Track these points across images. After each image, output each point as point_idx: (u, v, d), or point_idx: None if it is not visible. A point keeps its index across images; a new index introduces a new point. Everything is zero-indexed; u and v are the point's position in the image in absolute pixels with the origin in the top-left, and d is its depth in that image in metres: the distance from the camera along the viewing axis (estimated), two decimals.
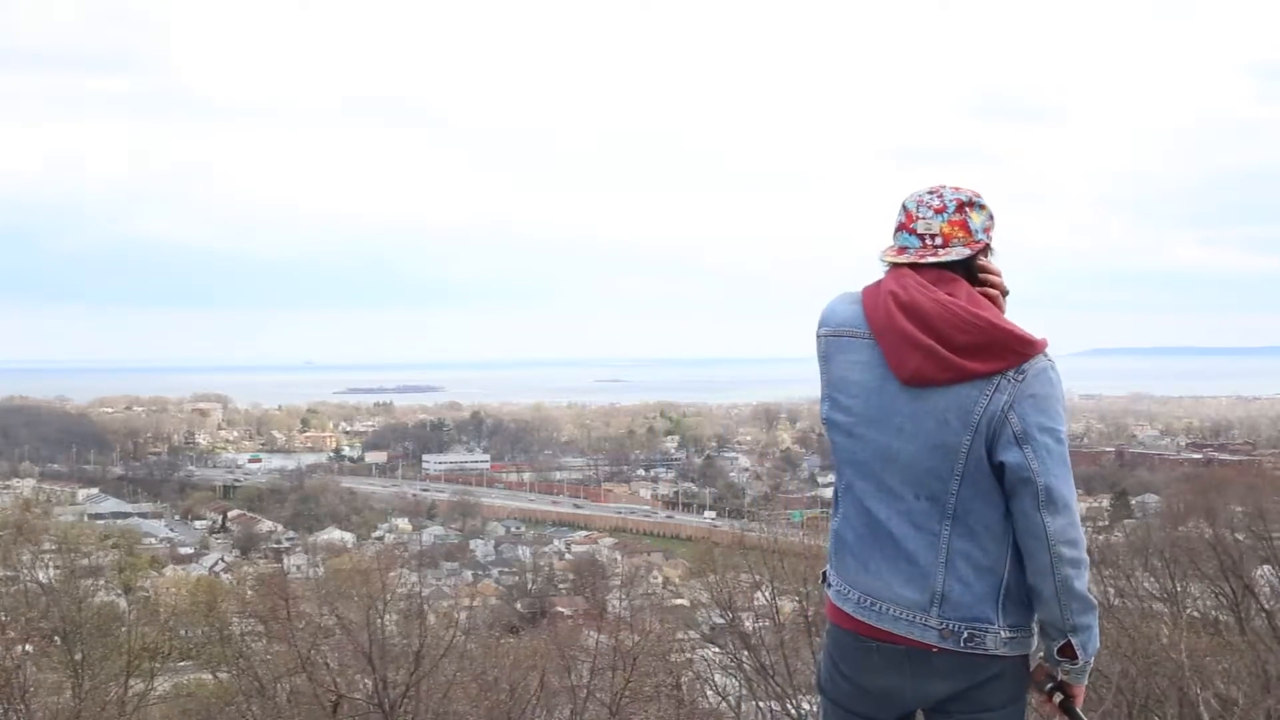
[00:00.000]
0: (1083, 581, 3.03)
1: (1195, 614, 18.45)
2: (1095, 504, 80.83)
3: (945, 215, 3.14)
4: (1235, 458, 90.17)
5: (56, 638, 26.20)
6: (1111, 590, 18.31)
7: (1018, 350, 3.00)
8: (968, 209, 3.16)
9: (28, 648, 24.18)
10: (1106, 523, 54.99)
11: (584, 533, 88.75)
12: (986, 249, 3.20)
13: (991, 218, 3.23)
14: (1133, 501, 73.28)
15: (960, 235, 3.14)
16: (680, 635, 25.64)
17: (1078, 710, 3.20)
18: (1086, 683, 3.17)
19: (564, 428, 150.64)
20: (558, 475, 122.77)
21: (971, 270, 3.16)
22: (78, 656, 24.12)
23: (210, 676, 25.94)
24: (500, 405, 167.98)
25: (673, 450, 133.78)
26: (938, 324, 3.02)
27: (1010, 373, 3.00)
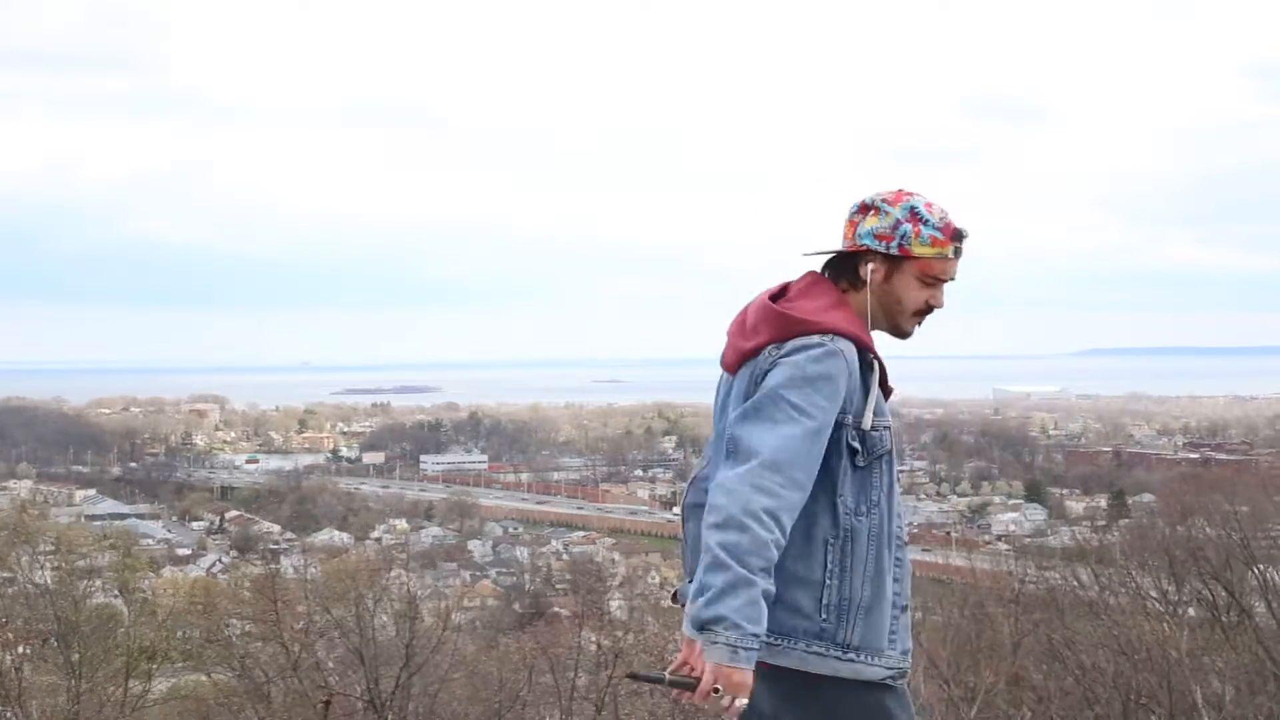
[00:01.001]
0: (723, 537, 2.86)
1: (1191, 612, 18.51)
2: (1093, 503, 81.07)
3: (848, 215, 3.29)
4: (1232, 457, 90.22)
5: (54, 639, 26.21)
6: (1106, 589, 18.38)
7: (785, 326, 3.13)
8: (867, 211, 3.25)
9: (24, 649, 24.21)
10: (1104, 522, 55.06)
11: (582, 533, 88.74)
12: (866, 252, 3.21)
13: (899, 225, 3.20)
14: (1130, 501, 73.36)
15: (846, 237, 3.27)
16: (678, 634, 25.65)
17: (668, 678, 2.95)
18: (721, 664, 2.83)
19: (562, 428, 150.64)
20: (555, 476, 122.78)
21: (858, 273, 3.25)
22: (75, 658, 24.14)
23: (205, 677, 25.95)
24: (498, 405, 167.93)
25: (670, 450, 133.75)
26: (747, 317, 3.25)
27: (772, 346, 3.12)
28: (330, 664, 20.34)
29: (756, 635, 2.85)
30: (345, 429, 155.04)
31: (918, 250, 3.20)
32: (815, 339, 3.09)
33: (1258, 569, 22.99)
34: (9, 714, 18.44)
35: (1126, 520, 50.63)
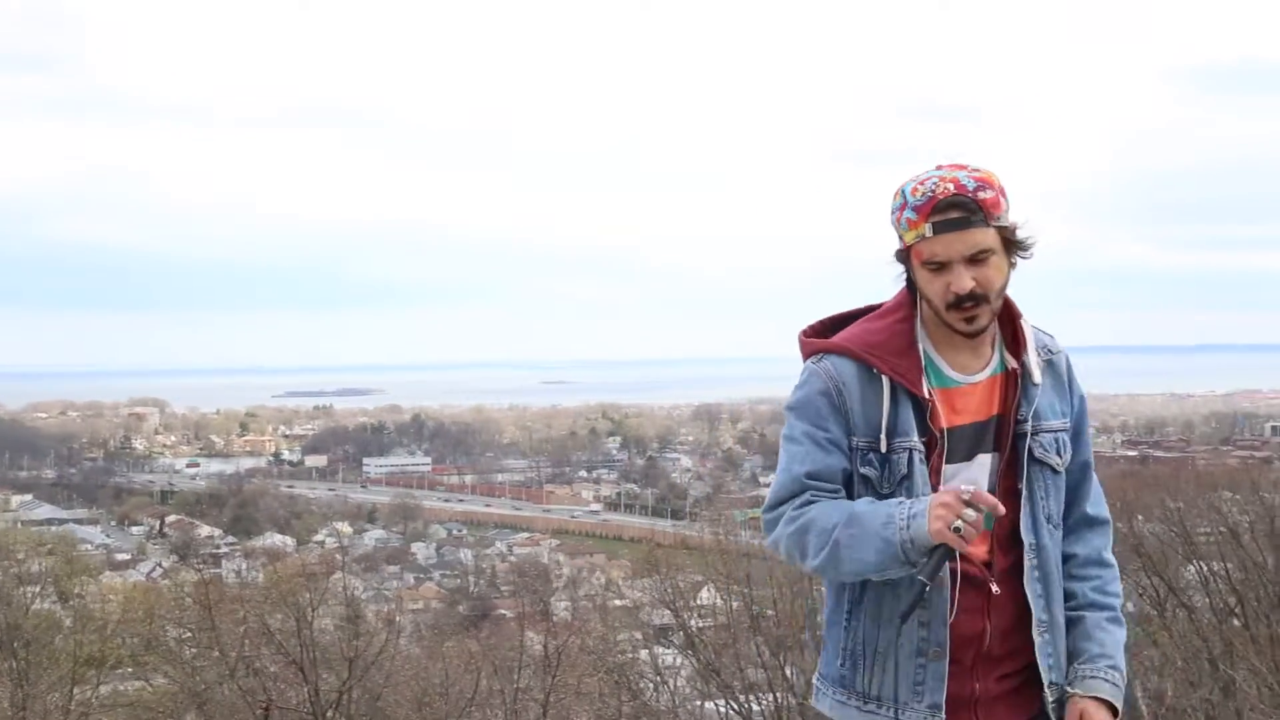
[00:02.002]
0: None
1: (1131, 607, 18.71)
2: None
3: None
4: (1170, 454, 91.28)
5: (4, 646, 25.78)
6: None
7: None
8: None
9: None
10: None
11: (526, 535, 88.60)
12: (907, 250, 2.97)
13: (893, 215, 2.97)
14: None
15: None
16: (624, 635, 25.66)
17: None
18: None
19: (506, 430, 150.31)
20: (499, 477, 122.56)
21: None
22: (19, 664, 23.78)
23: (144, 684, 25.66)
24: (441, 407, 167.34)
25: (615, 451, 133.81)
26: None
27: None
28: (272, 670, 20.14)
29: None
30: (287, 432, 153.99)
31: (906, 238, 2.96)
32: (804, 365, 3.06)
33: (1197, 563, 23.27)
34: None
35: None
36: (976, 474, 2.96)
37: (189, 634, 25.47)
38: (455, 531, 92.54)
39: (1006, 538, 2.98)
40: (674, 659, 23.44)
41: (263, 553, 66.31)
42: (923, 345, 3.02)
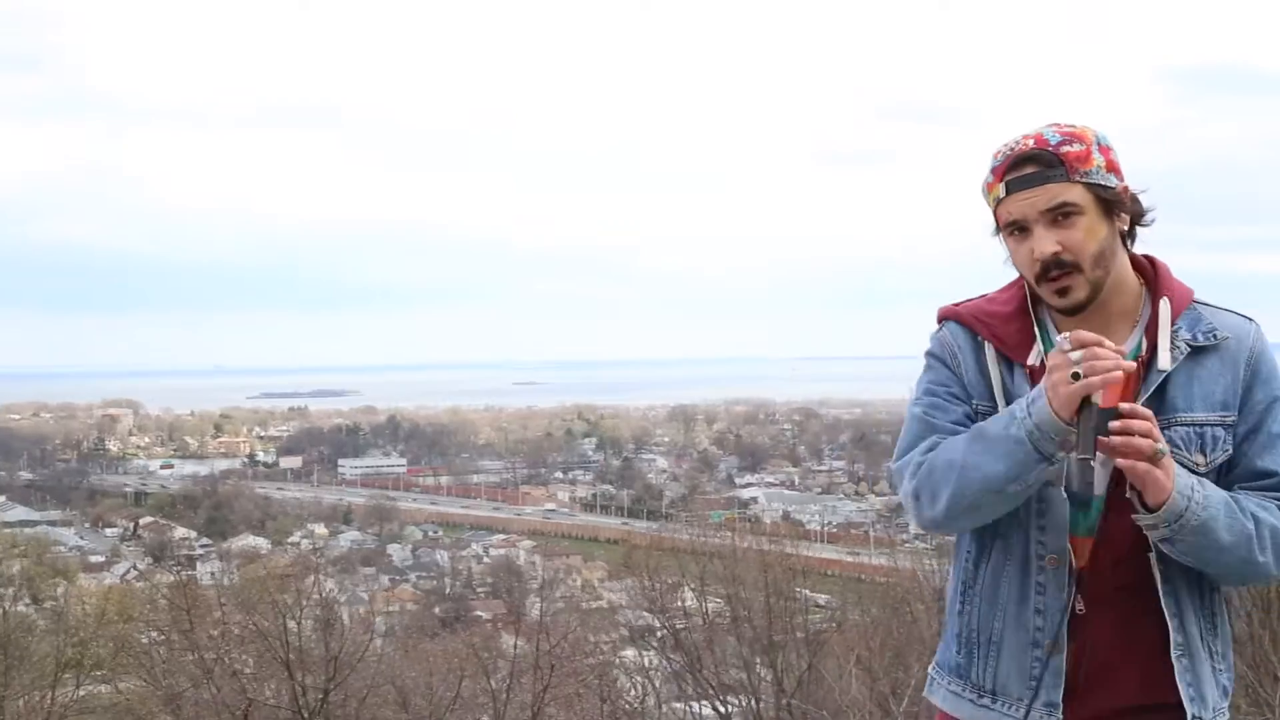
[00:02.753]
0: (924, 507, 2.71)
1: None
2: None
3: None
4: None
5: None
6: None
7: None
8: None
9: None
10: None
11: (502, 536, 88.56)
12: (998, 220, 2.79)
13: (983, 182, 2.77)
14: None
15: None
16: (603, 636, 25.70)
17: None
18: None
19: (481, 431, 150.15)
20: (475, 478, 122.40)
21: None
22: None
23: (113, 688, 25.56)
24: (416, 409, 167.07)
25: (590, 452, 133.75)
26: None
27: None
28: (248, 671, 20.09)
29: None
30: (262, 433, 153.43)
31: (989, 205, 2.75)
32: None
33: None
34: None
35: None
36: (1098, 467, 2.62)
37: (164, 636, 25.37)
38: (431, 533, 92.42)
39: (1128, 549, 2.65)
40: (654, 660, 23.46)
41: (238, 554, 66.09)
42: (1042, 311, 2.79)
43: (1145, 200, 2.74)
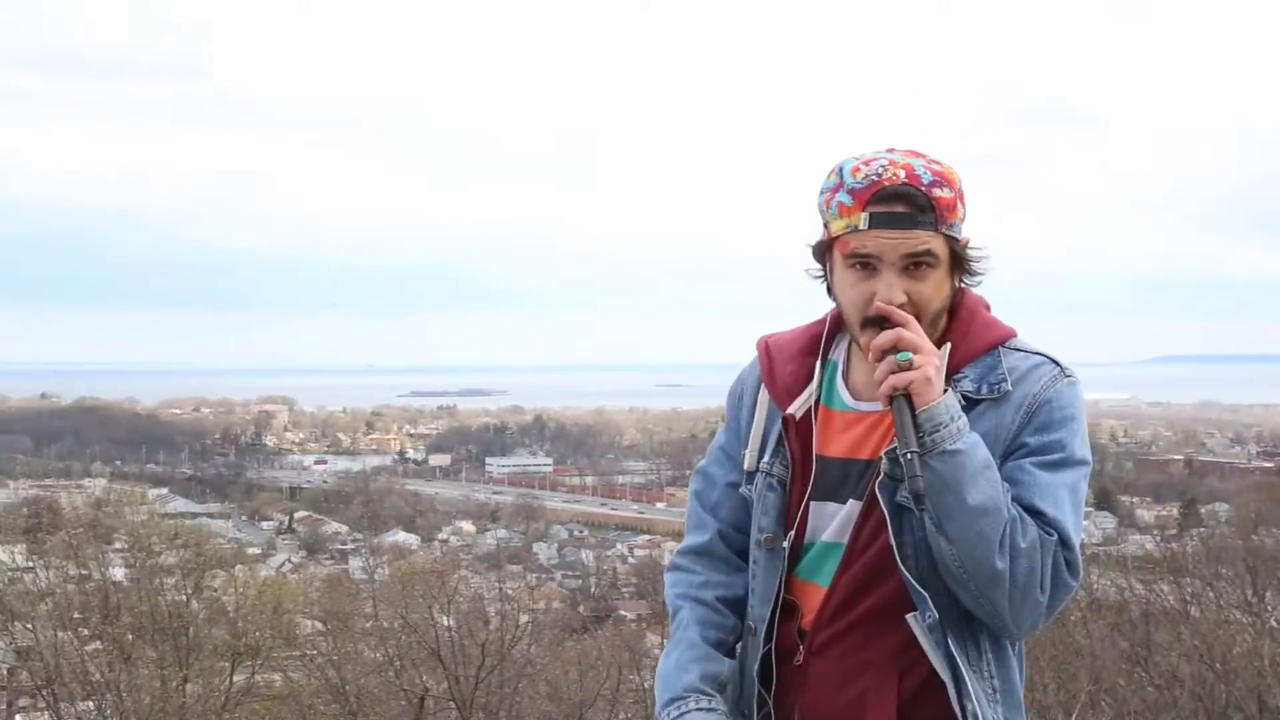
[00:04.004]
0: None
1: (1275, 623, 18.28)
2: (1164, 512, 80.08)
3: None
4: None
5: (152, 635, 26.53)
6: (1188, 596, 18.23)
7: None
8: None
9: (98, 645, 24.59)
10: (1175, 531, 54.37)
11: (647, 537, 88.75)
12: (830, 242, 2.52)
13: (822, 196, 2.49)
14: (1202, 510, 72.39)
15: None
16: None
17: None
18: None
19: (626, 432, 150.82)
20: (620, 479, 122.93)
21: None
22: (180, 653, 24.45)
23: (284, 676, 26.22)
24: (562, 409, 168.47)
25: None
26: None
27: None
28: (414, 663, 20.59)
29: None
30: (412, 431, 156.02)
31: (834, 226, 2.44)
32: None
33: None
34: (107, 707, 18.78)
35: (1199, 529, 50.02)
36: (834, 520, 2.48)
37: (327, 627, 26.02)
38: (576, 532, 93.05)
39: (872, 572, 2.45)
40: None
41: (388, 549, 67.32)
42: (839, 350, 2.59)
43: (980, 249, 2.49)
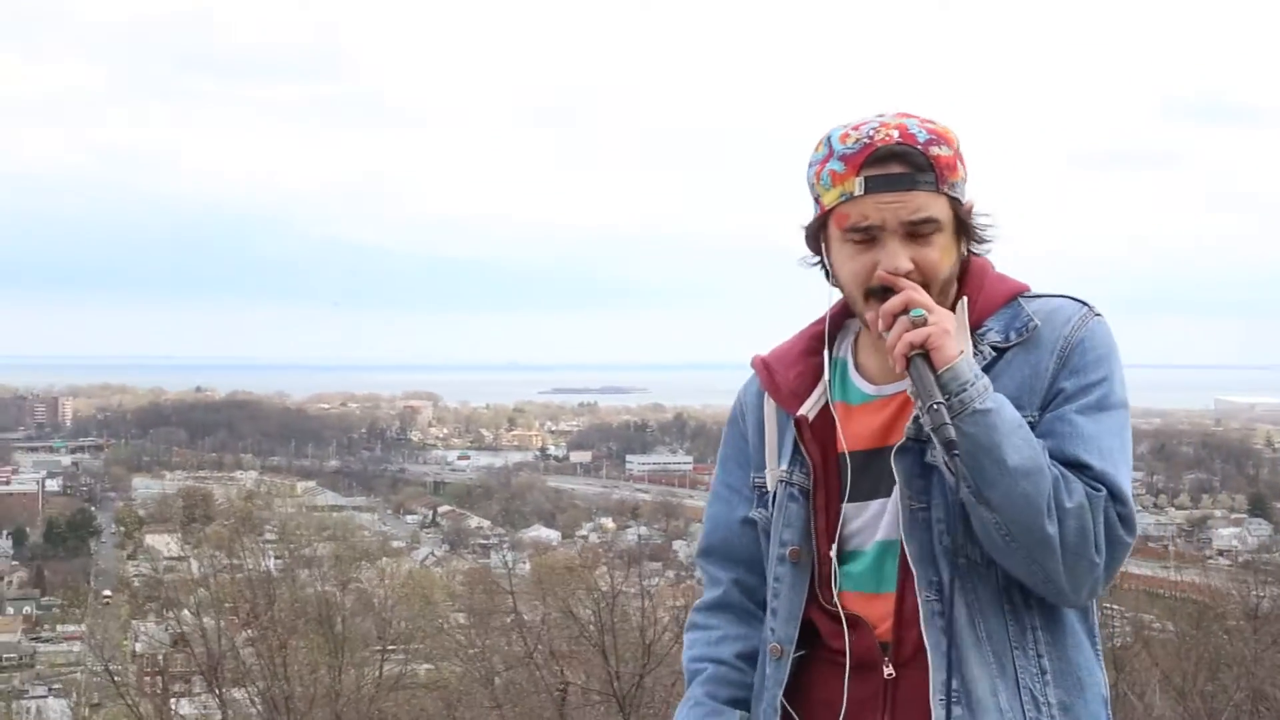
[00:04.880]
0: None
1: None
2: None
3: None
4: None
5: (298, 624, 27.20)
6: None
7: None
8: None
9: (249, 632, 25.25)
10: None
11: None
12: (824, 217, 2.36)
13: (811, 169, 2.34)
14: None
15: None
16: None
17: None
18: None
19: None
20: None
21: None
22: (335, 640, 25.06)
23: (434, 666, 26.69)
24: (703, 407, 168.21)
25: None
26: None
27: None
28: (565, 654, 20.87)
29: None
30: (553, 427, 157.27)
31: (826, 198, 2.29)
32: None
33: None
34: (275, 689, 19.28)
35: None
36: (881, 519, 2.31)
37: (474, 619, 26.41)
38: None
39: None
40: None
41: (530, 545, 68.02)
42: (844, 347, 2.44)
43: (986, 216, 2.34)
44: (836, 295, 2.42)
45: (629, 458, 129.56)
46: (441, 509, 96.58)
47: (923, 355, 2.14)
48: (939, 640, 2.19)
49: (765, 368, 2.48)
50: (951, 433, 2.08)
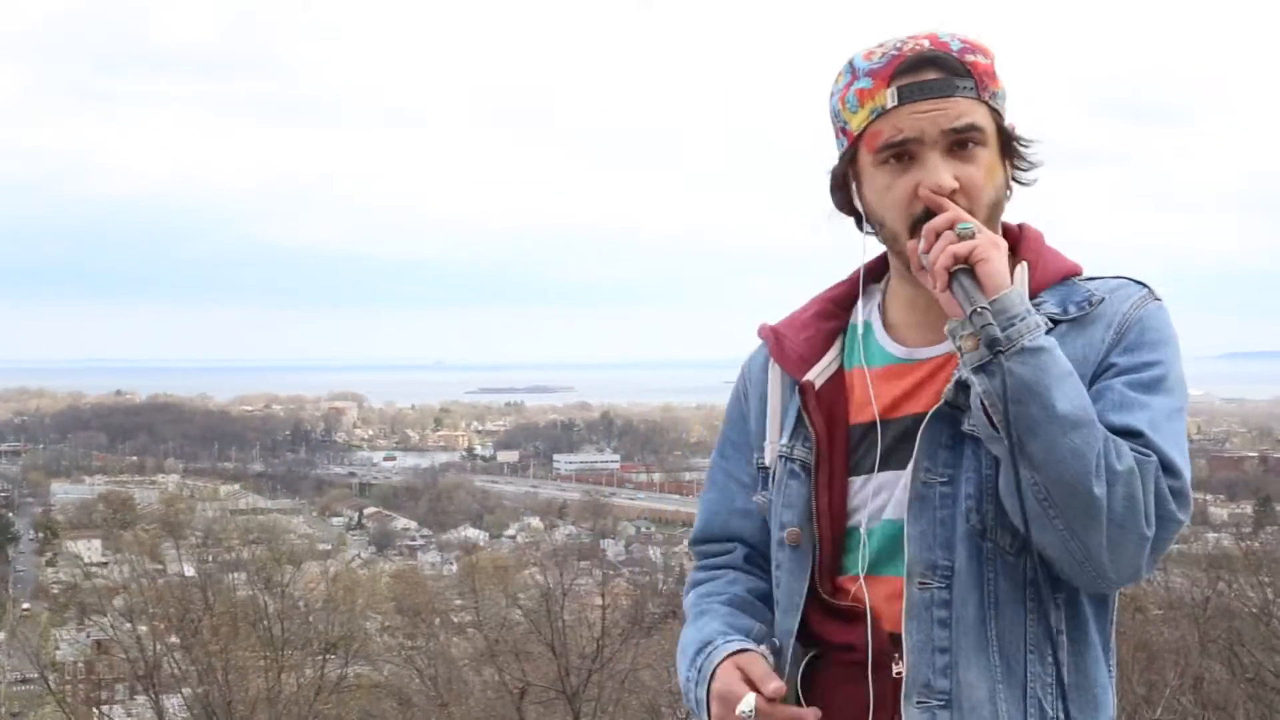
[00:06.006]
0: None
1: None
2: (1238, 510, 78.99)
3: None
4: None
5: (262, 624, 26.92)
6: (1269, 595, 17.99)
7: None
8: None
9: (175, 638, 24.98)
10: (1251, 529, 53.61)
11: None
12: (854, 147, 2.10)
13: (833, 100, 2.10)
14: (1278, 507, 71.30)
15: None
16: None
17: None
18: None
19: (693, 428, 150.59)
20: (687, 476, 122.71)
21: None
22: (276, 642, 24.84)
23: (368, 669, 26.55)
24: (629, 405, 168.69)
25: None
26: None
27: None
28: (517, 655, 20.91)
29: None
30: (479, 427, 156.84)
31: (854, 121, 2.04)
32: None
33: None
34: (214, 691, 19.05)
35: (1274, 527, 49.30)
36: (894, 493, 2.05)
37: (405, 620, 26.28)
38: (644, 529, 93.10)
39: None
40: None
41: (457, 545, 67.71)
42: (868, 308, 2.18)
43: (1033, 145, 2.10)
44: (872, 248, 2.15)
45: (556, 457, 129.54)
46: (367, 510, 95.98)
47: (968, 271, 1.90)
48: (929, 634, 1.96)
49: (774, 335, 2.22)
50: (997, 333, 1.84)
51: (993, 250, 1.91)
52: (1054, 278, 2.07)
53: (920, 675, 1.95)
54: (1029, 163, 2.08)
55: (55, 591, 50.15)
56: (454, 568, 52.43)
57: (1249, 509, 77.03)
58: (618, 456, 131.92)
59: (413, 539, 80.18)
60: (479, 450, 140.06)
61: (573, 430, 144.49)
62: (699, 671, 2.06)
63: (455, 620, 26.59)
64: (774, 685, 1.96)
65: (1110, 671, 2.06)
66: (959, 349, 1.90)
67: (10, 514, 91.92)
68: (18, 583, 69.65)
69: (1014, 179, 2.08)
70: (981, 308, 1.85)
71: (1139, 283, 2.08)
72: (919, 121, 1.96)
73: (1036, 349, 1.86)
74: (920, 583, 1.97)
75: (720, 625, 2.13)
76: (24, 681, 25.80)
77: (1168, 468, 1.88)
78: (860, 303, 2.17)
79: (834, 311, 2.19)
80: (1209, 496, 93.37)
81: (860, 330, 2.15)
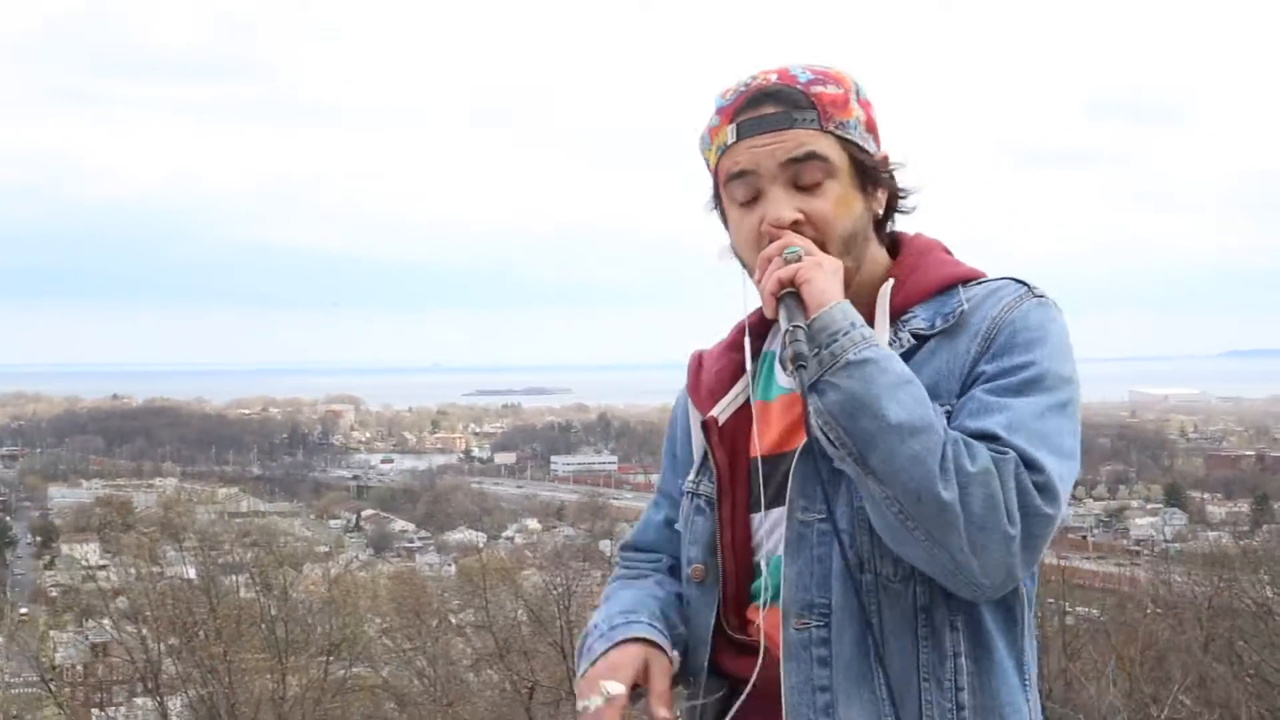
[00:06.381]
0: None
1: None
2: (1235, 508, 79.09)
3: None
4: None
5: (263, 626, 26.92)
6: (1269, 593, 18.01)
7: None
8: None
9: (174, 640, 24.97)
10: (1247, 527, 53.70)
11: None
12: (717, 183, 2.16)
13: (704, 133, 2.13)
14: (1275, 506, 71.40)
15: None
16: None
17: None
18: None
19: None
20: None
21: None
22: (279, 642, 24.88)
23: (370, 670, 26.54)
24: (627, 407, 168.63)
25: None
26: None
27: None
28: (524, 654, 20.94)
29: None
30: (477, 429, 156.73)
31: (710, 159, 2.09)
32: None
33: None
34: (219, 694, 19.08)
35: (1271, 525, 49.37)
36: (779, 531, 2.04)
37: (405, 621, 26.30)
38: None
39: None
40: None
41: (455, 547, 67.77)
42: (777, 340, 2.14)
43: (905, 178, 2.10)
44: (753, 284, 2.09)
45: (553, 459, 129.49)
46: (365, 513, 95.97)
47: (794, 294, 1.91)
48: (809, 673, 1.94)
49: (697, 363, 2.22)
50: (803, 349, 1.84)
51: (815, 271, 1.91)
52: (932, 288, 2.04)
53: (800, 715, 1.94)
54: (897, 191, 2.09)
55: (54, 595, 50.10)
56: (453, 569, 52.44)
57: (1246, 508, 77.20)
58: (615, 457, 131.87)
59: (411, 541, 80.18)
60: (476, 452, 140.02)
61: (570, 432, 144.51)
62: (611, 629, 2.07)
63: (454, 621, 26.55)
64: (663, 715, 1.95)
65: (1026, 688, 2.01)
66: (788, 373, 1.92)
67: (8, 518, 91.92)
68: (15, 586, 69.67)
69: (892, 206, 2.09)
70: (794, 326, 1.86)
71: (1019, 282, 2.03)
72: (756, 155, 1.99)
73: (861, 361, 1.85)
74: (798, 624, 1.95)
75: (655, 607, 2.13)
76: (21, 684, 25.77)
77: (1029, 464, 1.84)
78: (774, 330, 2.16)
79: (740, 342, 2.16)
80: (1206, 495, 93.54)
81: (766, 361, 2.16)
